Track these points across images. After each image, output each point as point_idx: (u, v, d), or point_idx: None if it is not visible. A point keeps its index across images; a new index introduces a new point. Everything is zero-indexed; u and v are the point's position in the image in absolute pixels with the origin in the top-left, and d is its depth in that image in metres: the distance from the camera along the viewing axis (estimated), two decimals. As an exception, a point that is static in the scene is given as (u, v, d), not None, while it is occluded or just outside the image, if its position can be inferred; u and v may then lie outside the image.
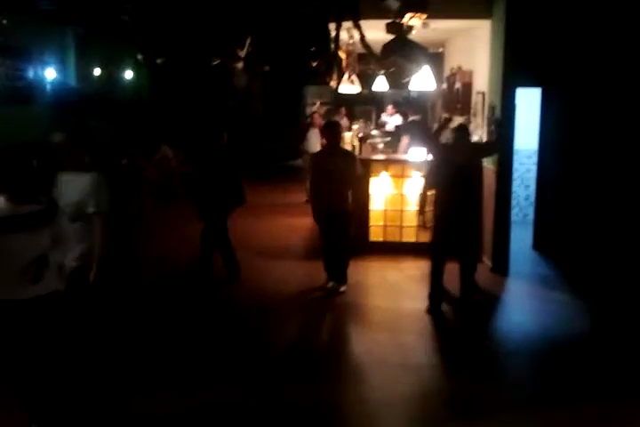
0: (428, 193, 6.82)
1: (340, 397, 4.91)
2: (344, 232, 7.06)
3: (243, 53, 9.82)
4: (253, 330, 6.20)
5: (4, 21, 8.24)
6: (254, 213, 11.02)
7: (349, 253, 7.27)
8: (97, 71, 12.59)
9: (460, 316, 6.63)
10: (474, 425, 4.50)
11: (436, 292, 6.60)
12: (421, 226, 7.15)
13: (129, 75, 14.00)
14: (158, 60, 11.67)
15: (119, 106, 12.98)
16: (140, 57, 12.30)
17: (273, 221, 10.64)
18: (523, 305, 7.09)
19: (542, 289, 7.35)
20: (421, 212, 6.92)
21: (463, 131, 6.76)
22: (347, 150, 7.53)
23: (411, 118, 11.73)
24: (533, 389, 5.12)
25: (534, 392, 5.05)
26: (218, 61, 10.35)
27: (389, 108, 13.00)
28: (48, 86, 11.15)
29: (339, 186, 6.88)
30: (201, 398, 4.77)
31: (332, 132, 7.12)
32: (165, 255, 8.74)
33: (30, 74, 10.63)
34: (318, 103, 14.87)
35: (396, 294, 7.28)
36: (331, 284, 7.18)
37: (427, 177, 7.01)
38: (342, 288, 7.16)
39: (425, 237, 7.58)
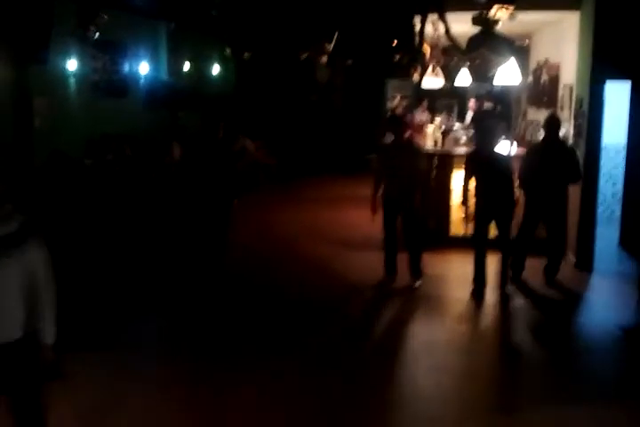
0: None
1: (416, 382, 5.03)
2: (413, 227, 7.07)
3: (330, 47, 9.97)
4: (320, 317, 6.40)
5: (105, 17, 8.65)
6: (335, 206, 11.24)
7: (421, 248, 7.21)
8: (187, 65, 13.00)
9: (543, 310, 6.61)
10: (552, 417, 4.52)
11: (480, 277, 6.82)
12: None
13: (217, 69, 14.38)
14: (245, 55, 11.96)
15: (207, 99, 13.36)
16: (227, 52, 12.63)
17: (352, 213, 10.75)
18: (606, 302, 7.00)
19: (627, 287, 7.20)
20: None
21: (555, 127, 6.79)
22: (412, 145, 7.43)
23: (484, 108, 11.61)
24: (613, 385, 5.09)
25: (614, 389, 5.02)
26: (305, 55, 10.54)
27: (472, 101, 12.88)
28: (142, 80, 11.62)
29: (404, 181, 6.91)
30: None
31: (395, 127, 7.13)
32: (249, 243, 9.01)
33: (126, 68, 11.10)
34: (398, 97, 14.83)
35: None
36: (389, 278, 7.20)
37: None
38: (417, 283, 7.12)
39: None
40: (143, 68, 11.59)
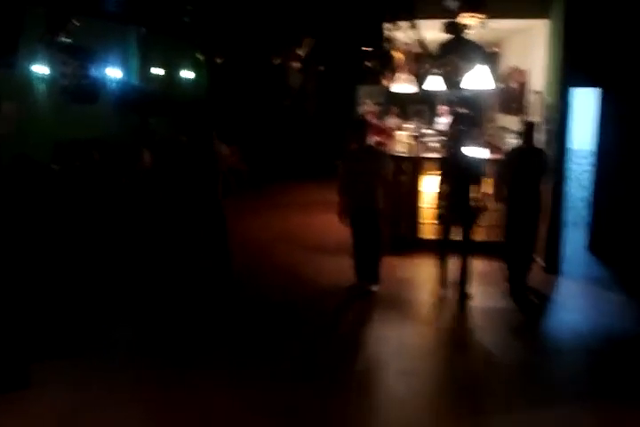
0: (441, 190, 6.97)
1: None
2: (374, 231, 7.09)
3: (302, 53, 9.99)
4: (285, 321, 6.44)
5: (76, 23, 8.58)
6: (306, 211, 11.25)
7: (381, 252, 7.24)
8: (158, 71, 12.94)
9: (512, 312, 6.68)
10: (523, 419, 4.56)
11: (444, 279, 7.09)
12: (437, 221, 7.28)
13: (188, 74, 14.33)
14: (218, 60, 11.92)
15: (179, 105, 13.31)
16: (200, 57, 12.58)
17: (323, 218, 10.76)
18: (574, 304, 7.09)
19: (595, 289, 7.34)
20: (438, 207, 7.07)
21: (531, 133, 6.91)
22: (376, 149, 7.47)
23: (456, 113, 11.68)
24: (582, 386, 5.16)
25: (583, 389, 5.09)
26: (279, 61, 10.55)
27: (442, 107, 12.98)
28: (112, 85, 11.53)
29: (368, 185, 6.95)
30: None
31: (358, 132, 7.16)
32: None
33: (96, 73, 11.01)
34: (369, 103, 14.89)
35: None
36: (361, 283, 7.20)
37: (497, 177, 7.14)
38: (374, 287, 7.16)
39: (480, 236, 7.72)
40: (113, 73, 11.52)
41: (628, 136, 7.99)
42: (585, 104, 8.41)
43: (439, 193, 7.18)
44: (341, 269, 7.50)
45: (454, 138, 7.10)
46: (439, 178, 7.13)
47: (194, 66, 14.48)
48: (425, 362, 5.58)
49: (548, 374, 5.32)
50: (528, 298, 6.99)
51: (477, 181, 6.89)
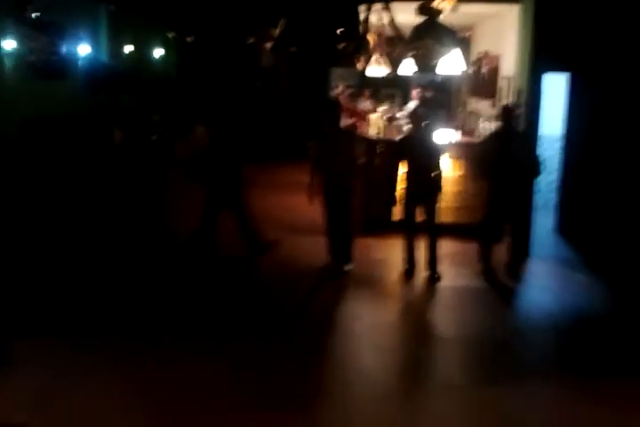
0: (399, 172, 7.11)
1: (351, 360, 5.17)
2: (346, 212, 7.19)
3: (275, 34, 9.97)
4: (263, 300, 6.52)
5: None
6: (280, 192, 11.28)
7: (353, 233, 7.34)
8: (128, 48, 12.79)
9: (483, 292, 6.84)
10: (493, 394, 4.71)
11: (411, 259, 7.16)
12: (395, 203, 7.45)
13: (159, 52, 14.19)
14: (188, 39, 11.84)
15: (148, 82, 13.19)
16: (170, 35, 12.48)
17: (297, 199, 10.78)
18: (544, 284, 7.28)
19: (564, 270, 7.55)
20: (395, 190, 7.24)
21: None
22: (349, 131, 7.56)
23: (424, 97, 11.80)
24: (551, 362, 5.34)
25: (553, 364, 5.29)
26: (252, 41, 10.51)
27: (414, 90, 13.07)
28: (81, 62, 11.38)
29: (341, 166, 7.04)
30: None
31: (332, 113, 7.23)
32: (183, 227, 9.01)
33: (64, 49, 10.84)
34: (341, 86, 14.91)
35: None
36: (335, 263, 7.29)
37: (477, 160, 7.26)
38: (348, 267, 7.27)
39: (449, 218, 7.88)
40: (83, 50, 11.35)
41: (595, 120, 8.17)
42: (555, 89, 8.55)
43: (404, 174, 7.29)
44: (315, 249, 7.57)
45: (417, 120, 7.19)
46: (393, 158, 7.26)
47: (164, 44, 14.33)
48: (396, 338, 5.74)
49: (519, 350, 5.50)
50: (498, 278, 7.15)
51: (437, 163, 7.03)
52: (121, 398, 4.49)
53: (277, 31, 10.17)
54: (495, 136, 7.38)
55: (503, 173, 7.04)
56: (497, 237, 7.36)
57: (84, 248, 7.82)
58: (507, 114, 7.13)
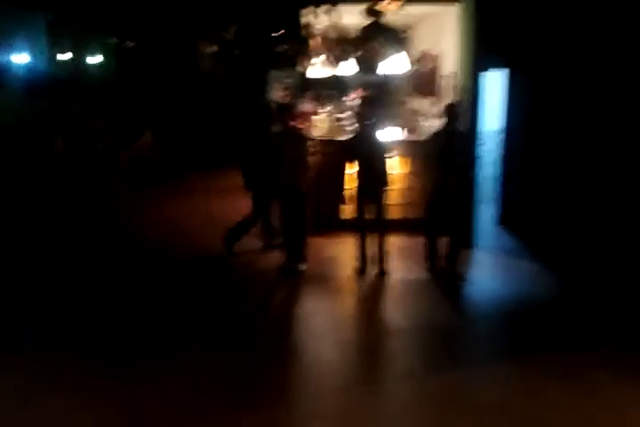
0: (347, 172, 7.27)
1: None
2: (299, 212, 7.33)
3: (221, 38, 10.02)
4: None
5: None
6: (225, 196, 11.31)
7: (306, 233, 7.49)
8: (68, 56, 12.63)
9: (431, 284, 7.09)
10: (452, 379, 4.93)
11: (363, 256, 7.33)
12: (344, 202, 7.69)
13: (98, 59, 14.05)
14: (129, 45, 11.78)
15: (88, 89, 13.05)
16: (110, 41, 12.38)
17: (244, 202, 10.83)
18: (490, 273, 7.58)
19: (508, 259, 7.84)
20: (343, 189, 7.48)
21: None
22: (297, 132, 7.62)
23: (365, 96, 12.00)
24: (503, 347, 5.60)
25: (504, 350, 5.53)
26: (194, 46, 10.54)
27: (357, 91, 13.26)
28: (20, 71, 11.19)
29: (290, 168, 7.19)
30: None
31: (279, 115, 7.39)
32: (149, 235, 9.00)
33: (1, 59, 10.65)
34: (283, 87, 14.98)
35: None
36: (290, 263, 7.41)
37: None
38: (302, 266, 7.42)
39: (397, 214, 8.11)
40: (21, 58, 11.17)
41: (533, 115, 8.51)
42: (494, 85, 8.86)
43: (354, 173, 7.46)
44: (269, 250, 7.68)
45: (362, 120, 7.37)
46: (348, 159, 7.43)
47: (104, 50, 14.19)
48: (354, 332, 5.91)
49: (471, 336, 5.76)
50: (446, 270, 7.39)
51: (383, 161, 7.23)
52: (85, 412, 4.50)
53: (228, 36, 10.21)
54: (440, 134, 7.61)
55: (445, 168, 7.27)
56: (440, 230, 7.56)
57: (35, 257, 7.73)
58: (450, 112, 7.37)
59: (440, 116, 7.46)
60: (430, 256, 7.46)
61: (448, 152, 7.24)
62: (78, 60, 13.08)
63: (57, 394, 4.68)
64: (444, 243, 7.43)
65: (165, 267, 7.70)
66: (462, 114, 8.19)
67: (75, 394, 4.69)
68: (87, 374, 5.02)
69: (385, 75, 9.26)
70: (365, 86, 12.96)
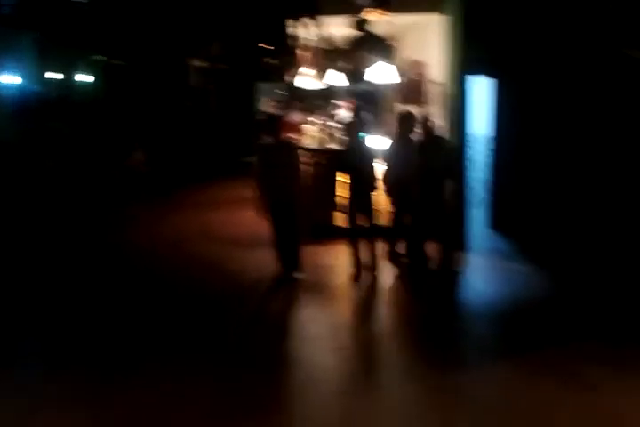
0: (341, 179, 7.37)
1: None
2: (293, 222, 7.38)
3: (209, 53, 10.13)
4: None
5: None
6: (219, 209, 11.38)
7: (301, 242, 7.54)
8: (57, 75, 12.72)
9: (427, 287, 7.21)
10: (450, 381, 4.99)
11: (358, 263, 7.39)
12: (336, 210, 7.74)
13: (88, 77, 14.14)
14: (117, 63, 11.87)
15: (78, 108, 13.13)
16: (99, 60, 12.48)
17: (237, 214, 10.89)
18: (483, 276, 7.68)
19: (500, 261, 7.95)
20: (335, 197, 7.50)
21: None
22: (289, 143, 7.69)
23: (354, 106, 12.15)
24: (501, 344, 5.71)
25: (501, 346, 5.64)
26: (183, 62, 10.64)
27: (345, 101, 13.39)
28: (10, 90, 11.26)
29: (284, 178, 7.23)
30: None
31: (272, 127, 7.45)
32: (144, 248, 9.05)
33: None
34: (271, 99, 15.13)
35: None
36: (286, 272, 7.44)
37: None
38: (298, 275, 7.47)
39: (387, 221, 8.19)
40: (9, 78, 11.24)
41: (520, 121, 8.64)
42: (483, 92, 9.00)
43: (346, 183, 7.54)
44: (264, 261, 7.72)
45: (352, 130, 7.47)
46: (339, 170, 7.52)
47: (93, 69, 14.28)
48: (350, 337, 5.97)
49: (468, 337, 5.85)
50: (438, 273, 7.48)
51: (373, 170, 7.34)
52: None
53: (212, 51, 10.32)
54: (417, 142, 7.72)
55: (427, 176, 7.36)
56: (427, 235, 7.66)
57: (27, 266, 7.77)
58: (404, 119, 7.46)
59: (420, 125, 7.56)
60: (420, 260, 7.54)
61: (425, 160, 7.34)
62: (68, 78, 13.16)
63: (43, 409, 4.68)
64: (432, 247, 7.53)
65: (159, 277, 7.73)
66: (447, 120, 8.34)
67: (68, 405, 4.70)
68: (82, 384, 5.02)
69: (373, 84, 9.39)
70: (354, 96, 13.14)
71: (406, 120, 7.43)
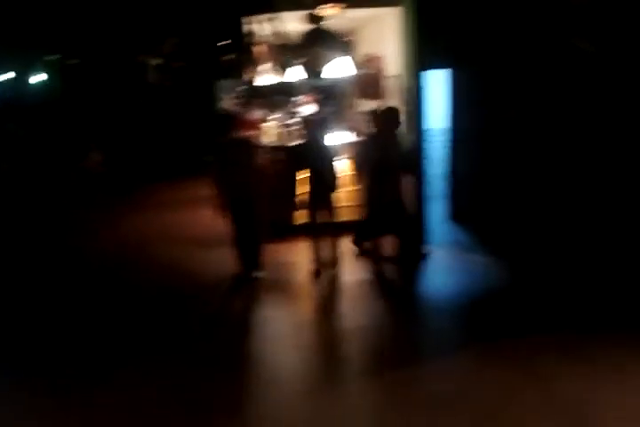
0: (301, 176, 7.34)
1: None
2: (253, 220, 7.36)
3: (164, 51, 10.01)
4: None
5: None
6: (178, 209, 11.28)
7: (261, 240, 7.51)
8: (8, 75, 12.45)
9: (389, 281, 7.22)
10: (415, 375, 5.01)
11: (318, 259, 7.41)
12: (296, 208, 7.73)
13: (42, 77, 13.87)
14: (73, 62, 11.66)
15: (32, 109, 12.88)
16: (53, 59, 12.24)
17: (197, 213, 10.79)
18: (444, 267, 7.69)
19: (461, 253, 8.00)
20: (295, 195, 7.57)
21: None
22: (246, 141, 7.65)
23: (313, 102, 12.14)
24: (462, 335, 5.75)
25: (463, 338, 5.68)
26: (138, 60, 10.50)
27: (304, 96, 13.34)
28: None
29: (242, 176, 7.20)
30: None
31: (227, 125, 7.41)
32: (102, 250, 8.92)
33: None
34: (229, 96, 15.00)
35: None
36: (246, 271, 7.43)
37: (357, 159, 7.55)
38: (259, 273, 7.45)
39: (347, 216, 8.20)
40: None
41: (476, 112, 8.69)
42: (440, 85, 9.03)
43: (305, 178, 7.53)
44: (224, 260, 7.67)
45: (310, 125, 7.44)
46: (298, 166, 7.51)
47: (47, 68, 14.01)
48: (312, 335, 5.96)
49: (430, 329, 5.88)
50: (398, 267, 7.50)
51: (332, 165, 7.32)
52: None
53: (166, 49, 10.20)
54: (372, 136, 7.71)
55: (381, 170, 7.36)
56: (386, 229, 7.67)
57: None
58: (388, 115, 7.46)
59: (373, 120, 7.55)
60: (380, 255, 7.55)
61: (379, 154, 7.33)
62: (21, 78, 12.89)
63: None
64: (391, 242, 7.54)
65: (121, 279, 7.65)
66: (404, 114, 8.34)
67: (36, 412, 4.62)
68: (48, 391, 4.96)
69: (331, 79, 9.37)
70: (313, 91, 13.11)
71: (390, 116, 7.38)
